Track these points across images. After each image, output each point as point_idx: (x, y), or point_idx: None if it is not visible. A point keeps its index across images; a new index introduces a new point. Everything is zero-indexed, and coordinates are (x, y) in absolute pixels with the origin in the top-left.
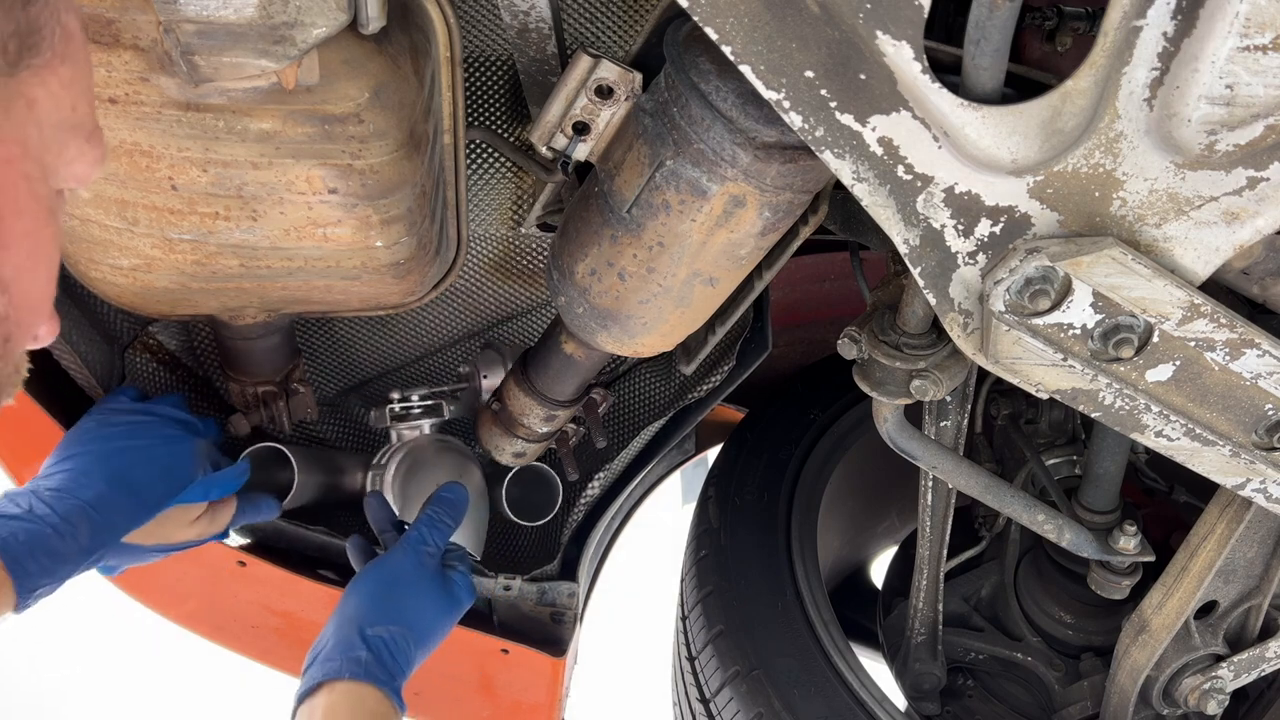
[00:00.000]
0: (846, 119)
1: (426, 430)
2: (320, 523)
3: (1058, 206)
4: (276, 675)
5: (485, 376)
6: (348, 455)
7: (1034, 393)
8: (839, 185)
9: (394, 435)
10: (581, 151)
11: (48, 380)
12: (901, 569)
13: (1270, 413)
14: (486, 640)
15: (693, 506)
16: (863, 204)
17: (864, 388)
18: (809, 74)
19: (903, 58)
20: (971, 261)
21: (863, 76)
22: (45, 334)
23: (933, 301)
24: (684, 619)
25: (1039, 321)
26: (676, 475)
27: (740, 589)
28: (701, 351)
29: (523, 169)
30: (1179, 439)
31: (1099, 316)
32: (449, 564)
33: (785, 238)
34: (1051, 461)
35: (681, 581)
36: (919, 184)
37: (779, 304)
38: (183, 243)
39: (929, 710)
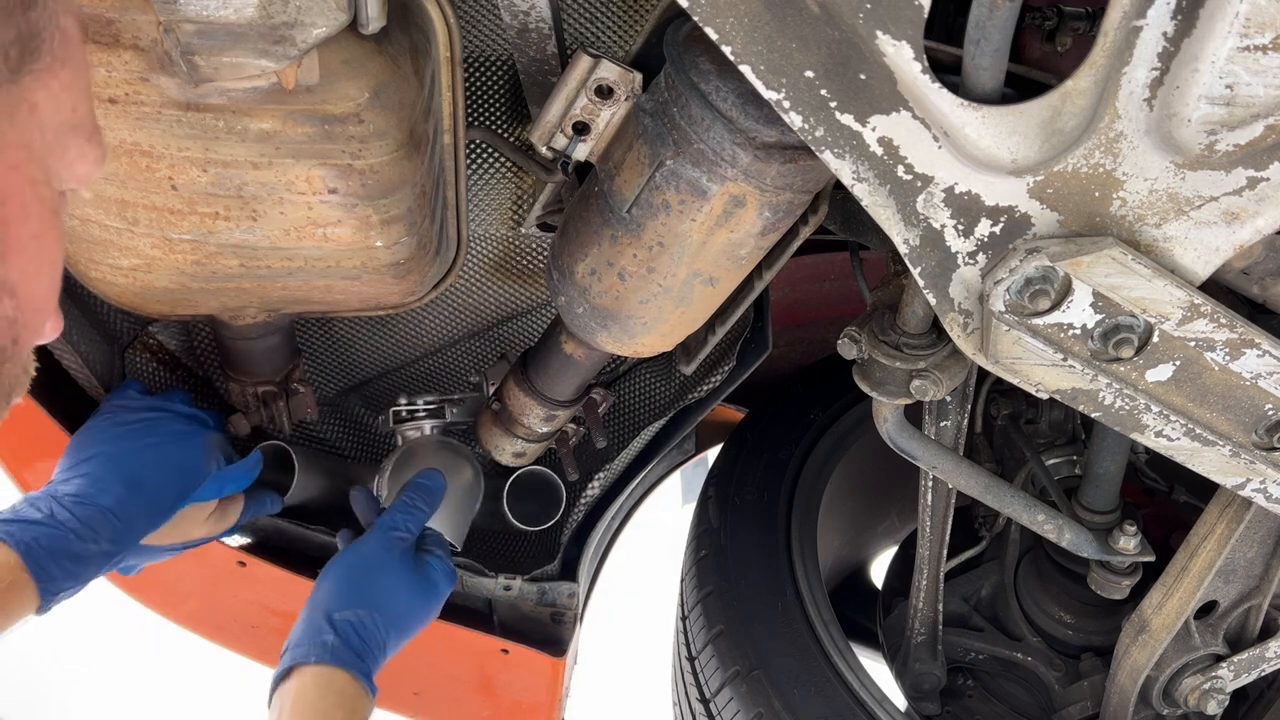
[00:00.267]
0: (846, 119)
1: (427, 431)
2: (326, 526)
3: (1058, 206)
4: None
5: (494, 385)
6: (361, 465)
7: (1034, 393)
8: (839, 185)
9: (399, 439)
10: (581, 151)
11: (48, 381)
12: (901, 569)
13: (1270, 413)
14: (486, 640)
15: (693, 506)
16: (863, 204)
17: (864, 388)
18: (809, 74)
19: (903, 58)
20: (971, 261)
21: (863, 76)
22: (50, 330)
23: (933, 301)
24: (684, 619)
25: (1039, 321)
26: (676, 475)
27: (740, 589)
28: (701, 351)
29: (523, 169)
30: (1179, 439)
31: (1099, 316)
32: (425, 549)
33: (785, 238)
34: (1051, 461)
35: (681, 581)
36: (919, 184)
37: (779, 304)
38: (183, 243)
39: (929, 710)
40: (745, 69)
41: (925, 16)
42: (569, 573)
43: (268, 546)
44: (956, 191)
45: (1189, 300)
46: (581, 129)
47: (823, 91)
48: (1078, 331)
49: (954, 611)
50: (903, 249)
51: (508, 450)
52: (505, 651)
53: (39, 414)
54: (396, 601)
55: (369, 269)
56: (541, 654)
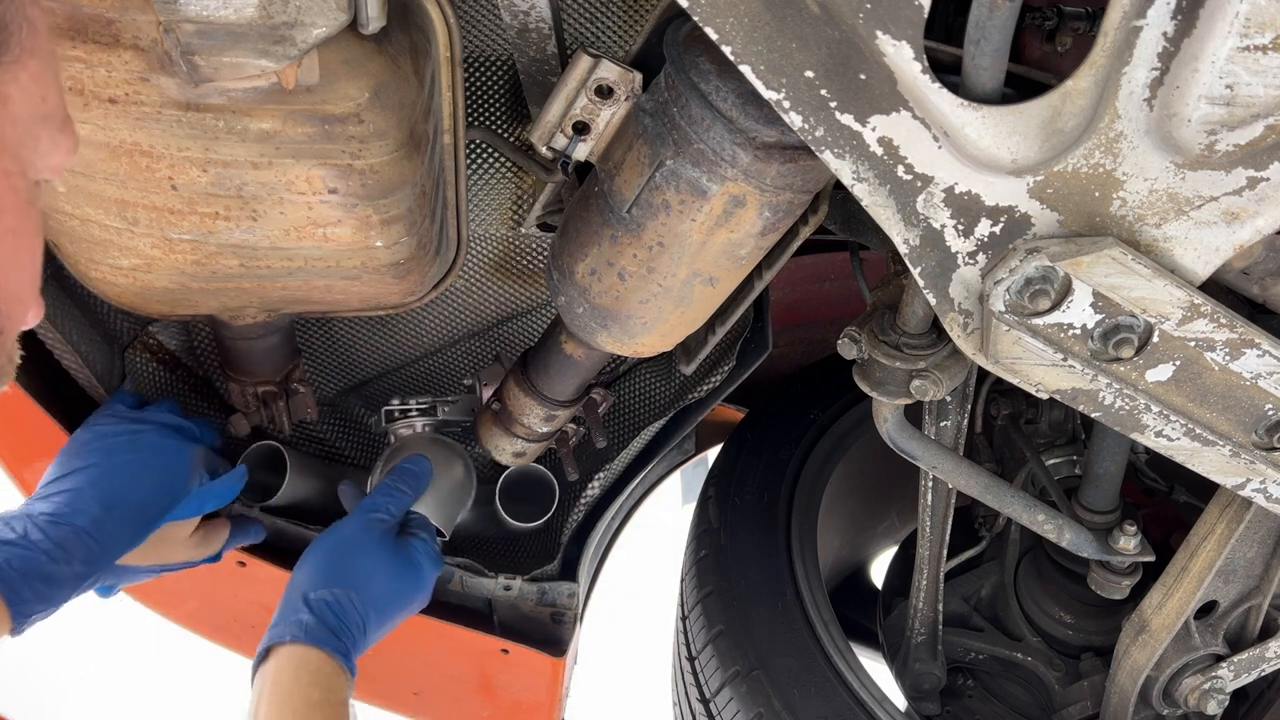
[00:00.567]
0: (846, 119)
1: (419, 429)
2: (326, 526)
3: (1058, 206)
4: None
5: (488, 387)
6: (359, 470)
7: (1034, 393)
8: (839, 185)
9: (391, 438)
10: (581, 151)
11: (48, 380)
12: (901, 569)
13: (1270, 413)
14: (486, 640)
15: (693, 506)
16: (863, 204)
17: (864, 388)
18: (809, 74)
19: (903, 58)
20: (971, 261)
21: (863, 76)
22: (31, 318)
23: (933, 301)
24: (684, 619)
25: (1039, 321)
26: (676, 475)
27: (740, 589)
28: (701, 351)
29: (523, 169)
30: (1179, 439)
31: (1099, 316)
32: (409, 533)
33: (785, 238)
34: (1051, 461)
35: (681, 581)
36: (919, 184)
37: (779, 304)
38: (183, 243)
39: (929, 710)
40: (745, 69)
41: (925, 16)
42: (569, 573)
43: (268, 546)
44: (956, 191)
45: (1189, 300)
46: (581, 129)
47: (823, 91)
48: (1078, 331)
49: (954, 611)
50: (903, 249)
51: (508, 450)
52: (505, 651)
53: (39, 414)
54: (375, 581)
55: (369, 269)
56: (541, 654)
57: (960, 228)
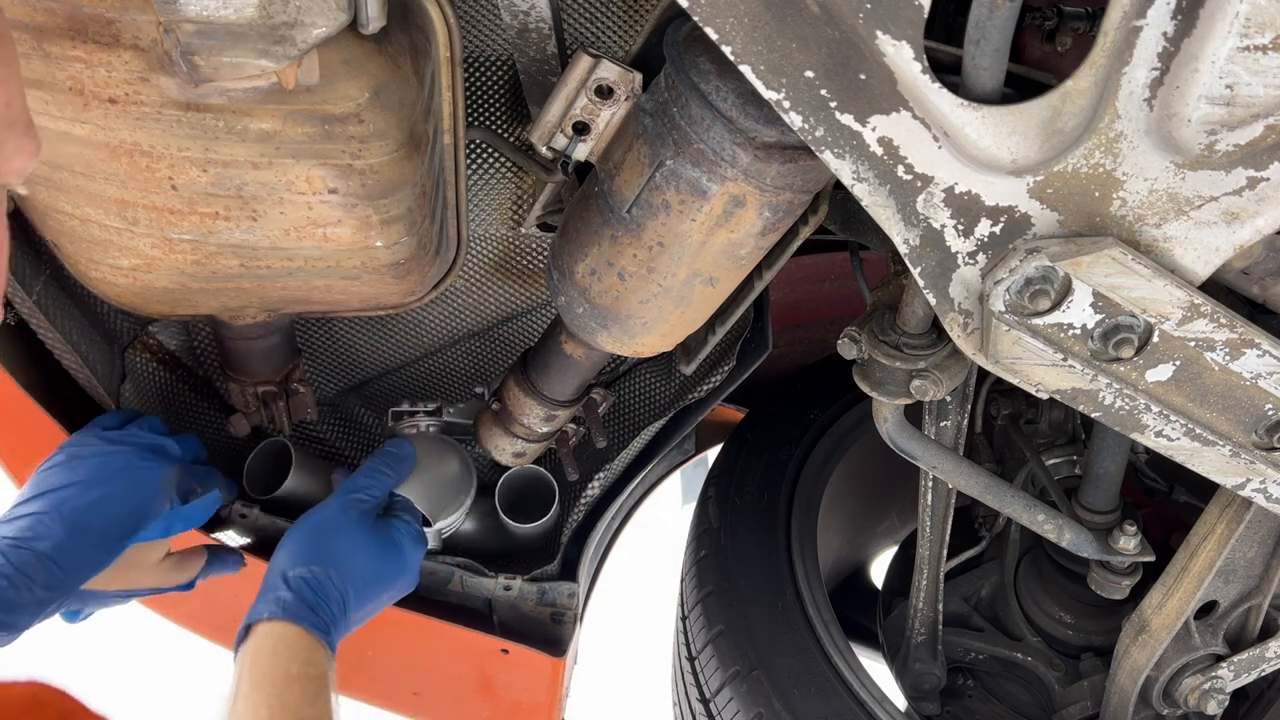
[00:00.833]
0: (846, 119)
1: (423, 429)
2: None
3: (1058, 206)
4: None
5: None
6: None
7: (1034, 393)
8: (839, 185)
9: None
10: (581, 151)
11: (48, 380)
12: (901, 569)
13: (1270, 413)
14: (486, 640)
15: (693, 506)
16: (863, 204)
17: (864, 388)
18: (809, 74)
19: (903, 58)
20: (971, 261)
21: (863, 76)
22: None
23: (933, 301)
24: (684, 619)
25: (1039, 321)
26: (676, 475)
27: (740, 589)
28: (701, 351)
29: (523, 169)
30: (1179, 439)
31: (1099, 316)
32: (392, 514)
33: (785, 238)
34: (1051, 461)
35: (681, 581)
36: (919, 184)
37: (779, 304)
38: (183, 243)
39: (929, 710)
40: (745, 69)
41: (925, 16)
42: (569, 573)
43: (268, 546)
44: (956, 191)
45: (1189, 300)
46: (581, 129)
47: (823, 91)
48: (1078, 331)
49: (954, 611)
50: (903, 249)
51: (508, 450)
52: (505, 651)
53: (39, 414)
54: (354, 560)
55: (369, 269)
56: (541, 654)
57: (960, 228)
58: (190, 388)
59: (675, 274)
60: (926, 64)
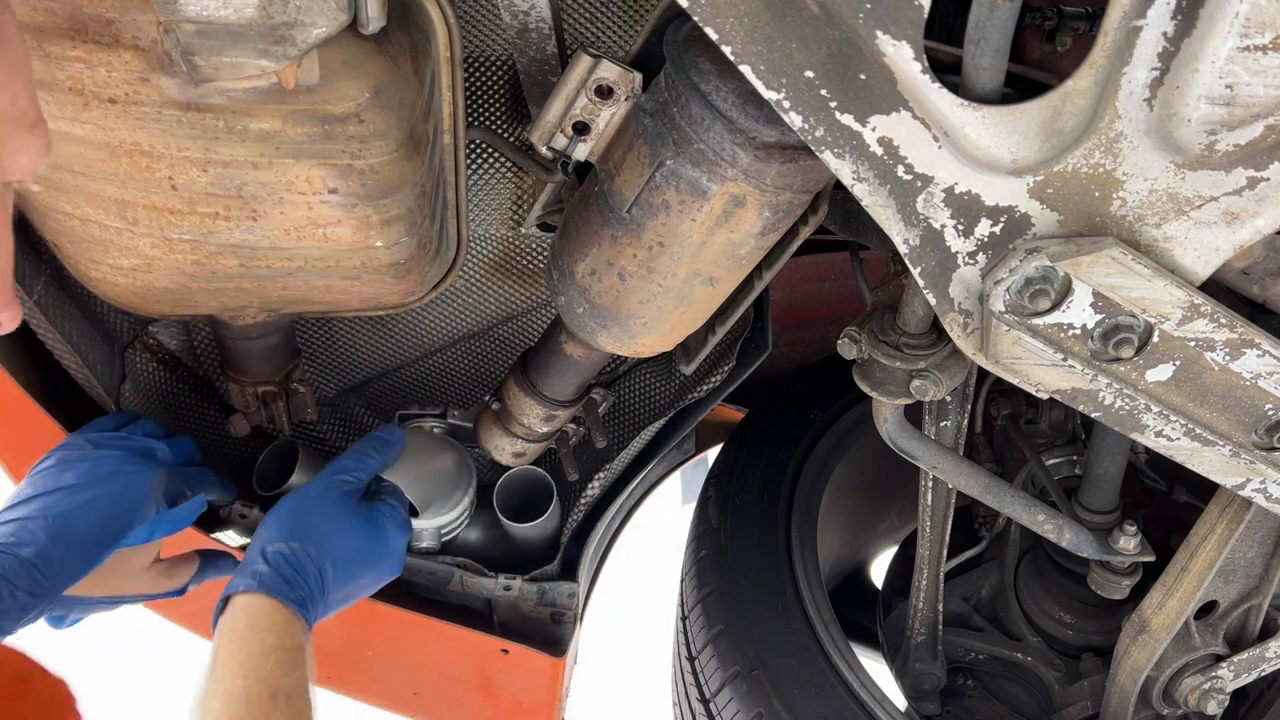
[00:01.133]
0: (846, 119)
1: (427, 429)
2: None
3: (1058, 206)
4: None
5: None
6: None
7: (1034, 393)
8: (839, 185)
9: None
10: (581, 151)
11: (48, 380)
12: (901, 569)
13: (1270, 413)
14: (486, 640)
15: (693, 506)
16: (863, 204)
17: (864, 388)
18: (809, 74)
19: (903, 58)
20: (971, 261)
21: (863, 76)
22: (7, 321)
23: (933, 301)
24: (684, 619)
25: (1039, 321)
26: (676, 475)
27: (740, 589)
28: (701, 351)
29: (523, 169)
30: (1179, 439)
31: (1099, 316)
32: (378, 498)
33: (785, 238)
34: (1051, 461)
35: (681, 581)
36: (919, 184)
37: (779, 304)
38: (183, 243)
39: (929, 710)
40: (745, 69)
41: (925, 16)
42: (569, 573)
43: None
44: (956, 191)
45: (1189, 300)
46: (581, 129)
47: (823, 91)
48: (1078, 331)
49: (954, 611)
50: (903, 249)
51: (507, 450)
52: (505, 651)
53: (39, 414)
54: (334, 539)
55: (369, 269)
56: (541, 654)
57: (960, 228)
58: (190, 388)
59: (675, 274)
60: (926, 64)
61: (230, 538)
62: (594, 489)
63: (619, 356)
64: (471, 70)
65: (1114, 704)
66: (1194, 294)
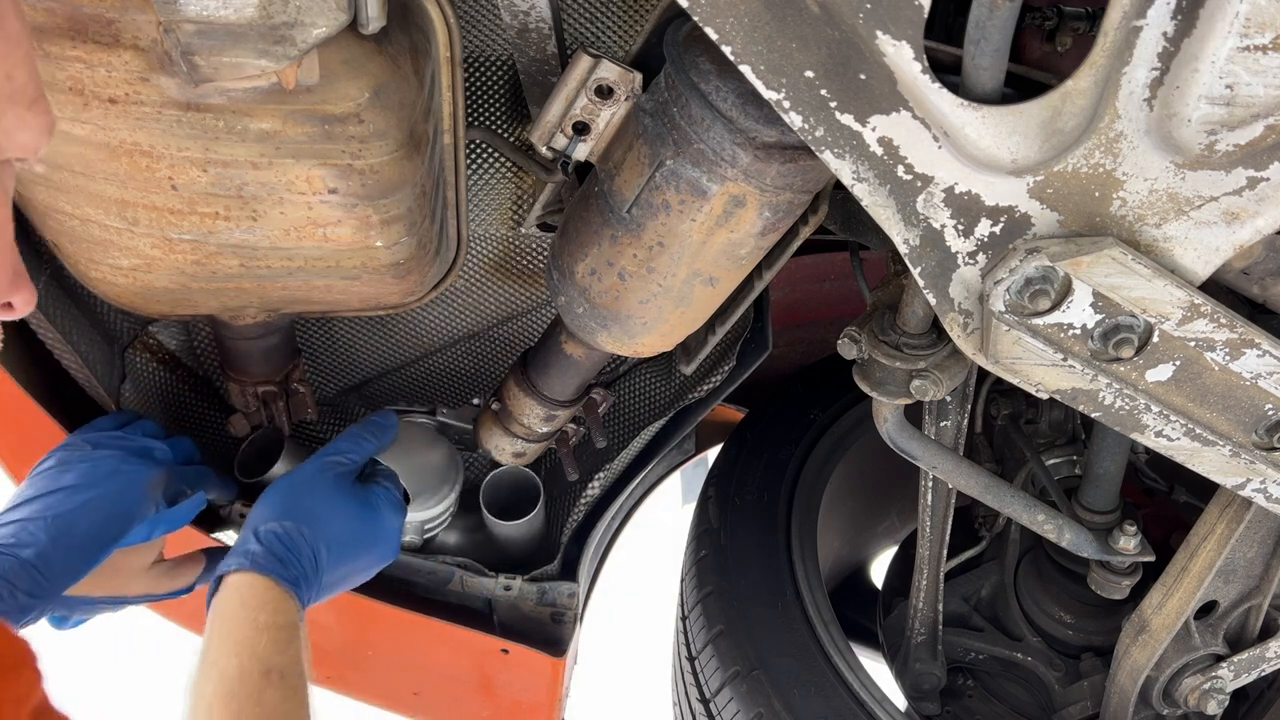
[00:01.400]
0: (846, 119)
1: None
2: None
3: (1058, 206)
4: None
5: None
6: None
7: (1034, 393)
8: (839, 185)
9: None
10: (581, 151)
11: (49, 380)
12: (901, 569)
13: (1270, 413)
14: (486, 640)
15: (693, 506)
16: (863, 204)
17: (864, 388)
18: (809, 74)
19: (903, 58)
20: (971, 261)
21: (863, 76)
22: (20, 304)
23: (933, 301)
24: (684, 619)
25: (1039, 321)
26: (676, 475)
27: (740, 589)
28: (701, 351)
29: (523, 169)
30: (1179, 439)
31: (1099, 316)
32: (373, 481)
33: (785, 238)
34: (1051, 461)
35: (681, 581)
36: (919, 184)
37: (779, 304)
38: (183, 243)
39: (929, 710)
40: (745, 69)
41: (925, 16)
42: (569, 573)
43: None
44: (956, 191)
45: (1189, 300)
46: (581, 129)
47: (823, 91)
48: (1078, 331)
49: (954, 611)
50: (903, 249)
51: (507, 450)
52: (505, 651)
53: (39, 414)
54: (328, 519)
55: (369, 269)
56: (541, 654)
57: (960, 228)
58: (190, 388)
59: (675, 274)
60: (926, 64)
61: (231, 537)
62: (594, 489)
63: (619, 356)
64: (471, 70)
65: (1114, 704)
66: (1194, 294)
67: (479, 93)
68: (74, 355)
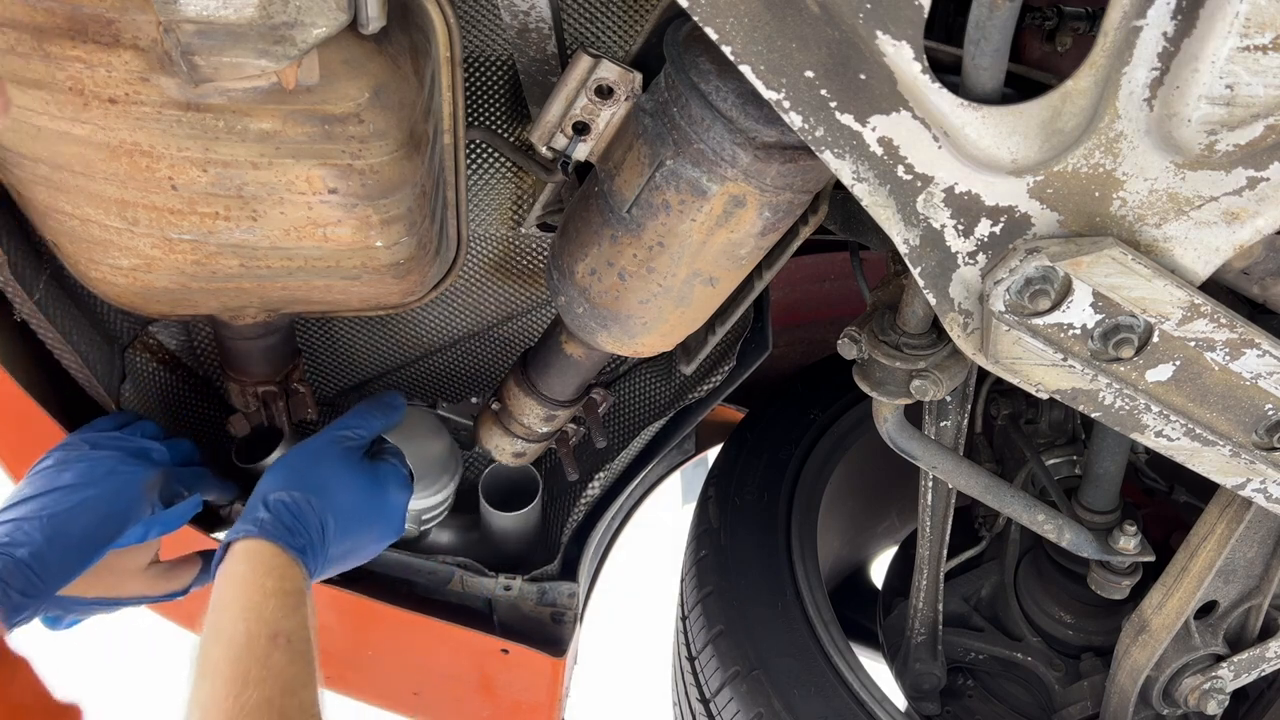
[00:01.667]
0: (846, 119)
1: None
2: None
3: (1058, 206)
4: None
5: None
6: None
7: (1034, 393)
8: (839, 185)
9: None
10: (581, 151)
11: (49, 380)
12: (901, 569)
13: (1270, 413)
14: (486, 640)
15: (693, 506)
16: (863, 204)
17: (864, 388)
18: (809, 74)
19: (903, 58)
20: (971, 261)
21: (863, 76)
22: None
23: (933, 301)
24: (684, 619)
25: (1039, 321)
26: (676, 475)
27: (740, 589)
28: (701, 351)
29: (523, 169)
30: (1179, 439)
31: (1099, 316)
32: (380, 457)
33: (785, 238)
34: (1051, 461)
35: (681, 581)
36: (919, 184)
37: (779, 304)
38: (183, 243)
39: (929, 710)
40: (745, 69)
41: (925, 16)
42: (569, 573)
43: None
44: (956, 191)
45: (1189, 300)
46: (581, 129)
47: (823, 91)
48: (1078, 331)
49: (954, 611)
50: (903, 249)
51: (508, 450)
52: (505, 651)
53: (39, 414)
54: (336, 491)
55: (369, 269)
56: (541, 654)
57: (960, 228)
58: (190, 388)
59: (675, 274)
60: (926, 64)
61: None
62: (594, 489)
63: (619, 356)
64: (471, 70)
65: (1114, 704)
66: (1194, 294)
67: (479, 93)
68: (74, 355)
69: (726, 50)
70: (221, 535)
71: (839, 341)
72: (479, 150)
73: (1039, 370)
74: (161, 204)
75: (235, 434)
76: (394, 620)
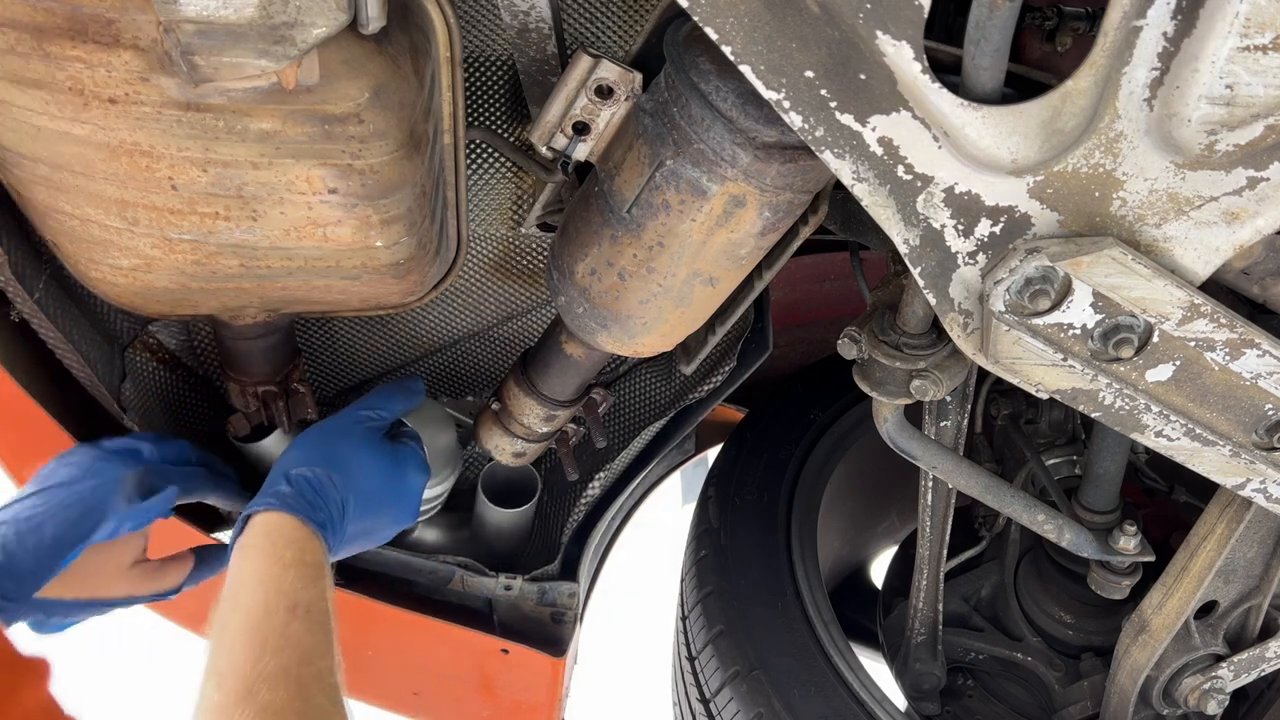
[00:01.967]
0: (846, 119)
1: None
2: None
3: (1058, 206)
4: None
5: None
6: None
7: (1034, 393)
8: (839, 185)
9: None
10: (581, 151)
11: (49, 379)
12: (901, 569)
13: (1270, 413)
14: (486, 640)
15: (693, 506)
16: (863, 204)
17: (864, 388)
18: (809, 74)
19: (903, 58)
20: (971, 261)
21: (863, 76)
22: None
23: (933, 301)
24: (684, 619)
25: (1039, 321)
26: (676, 475)
27: (740, 589)
28: (702, 351)
29: (523, 169)
30: (1179, 439)
31: (1099, 316)
32: (399, 439)
33: (785, 238)
34: (1051, 461)
35: (681, 581)
36: (919, 184)
37: (779, 304)
38: (183, 243)
39: (929, 710)
40: (745, 69)
41: (925, 16)
42: (569, 573)
43: None
44: (956, 191)
45: (1189, 300)
46: (581, 129)
47: (823, 91)
48: (1078, 331)
49: (954, 611)
50: (903, 249)
51: (508, 450)
52: (505, 651)
53: (39, 414)
54: (357, 470)
55: (369, 269)
56: (541, 654)
57: (960, 228)
58: (190, 388)
59: (675, 274)
60: (926, 64)
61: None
62: (594, 489)
63: (619, 356)
64: (471, 70)
65: (1114, 704)
66: (1194, 294)
67: (479, 93)
68: (75, 355)
69: (726, 50)
70: (221, 535)
71: (839, 341)
72: (479, 150)
73: (1039, 370)
74: (161, 204)
75: (235, 434)
76: (394, 620)
